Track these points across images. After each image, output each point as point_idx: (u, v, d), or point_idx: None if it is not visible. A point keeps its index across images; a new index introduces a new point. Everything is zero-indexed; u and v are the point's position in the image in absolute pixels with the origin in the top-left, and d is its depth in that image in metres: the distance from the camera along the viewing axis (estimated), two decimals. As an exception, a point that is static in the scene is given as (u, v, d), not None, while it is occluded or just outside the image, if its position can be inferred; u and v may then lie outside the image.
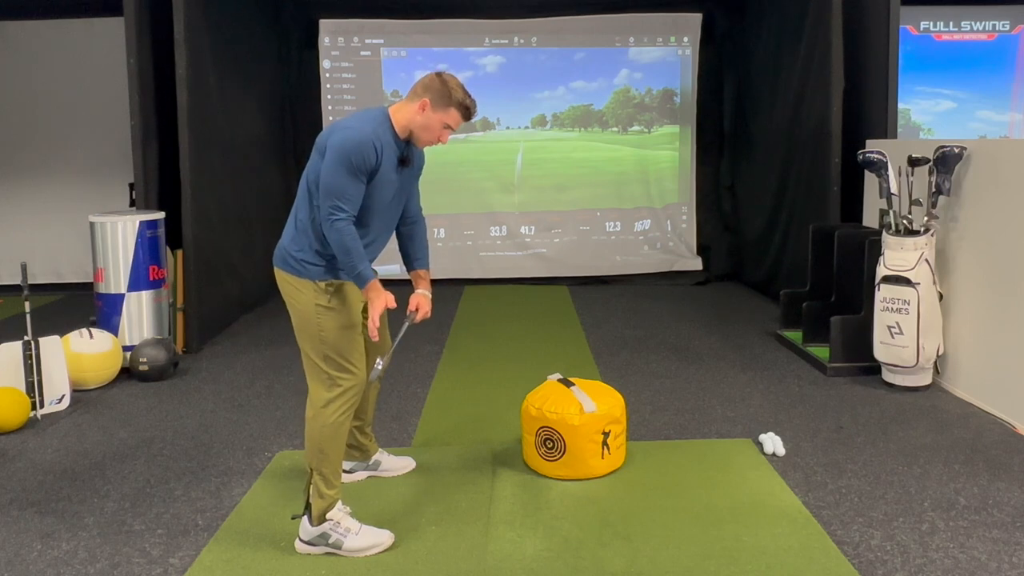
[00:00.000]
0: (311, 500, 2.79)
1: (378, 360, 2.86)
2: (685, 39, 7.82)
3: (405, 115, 2.76)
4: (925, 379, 4.44)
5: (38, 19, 7.32)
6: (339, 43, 7.69)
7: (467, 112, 2.78)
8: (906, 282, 4.30)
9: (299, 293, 2.77)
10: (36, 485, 3.40)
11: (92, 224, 4.99)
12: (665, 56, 7.87)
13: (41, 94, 7.46)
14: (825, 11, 5.72)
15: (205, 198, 5.63)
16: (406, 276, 3.13)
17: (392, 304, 2.75)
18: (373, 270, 2.73)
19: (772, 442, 3.61)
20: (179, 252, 5.40)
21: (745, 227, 7.65)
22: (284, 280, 2.80)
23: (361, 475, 3.36)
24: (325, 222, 2.65)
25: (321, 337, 2.75)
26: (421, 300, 2.96)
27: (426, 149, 2.93)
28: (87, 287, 5.81)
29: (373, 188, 2.73)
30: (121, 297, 4.98)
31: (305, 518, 2.81)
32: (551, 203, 7.94)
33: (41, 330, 4.70)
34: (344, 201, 2.63)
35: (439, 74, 2.78)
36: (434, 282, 3.17)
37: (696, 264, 7.98)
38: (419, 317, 2.96)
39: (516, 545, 2.84)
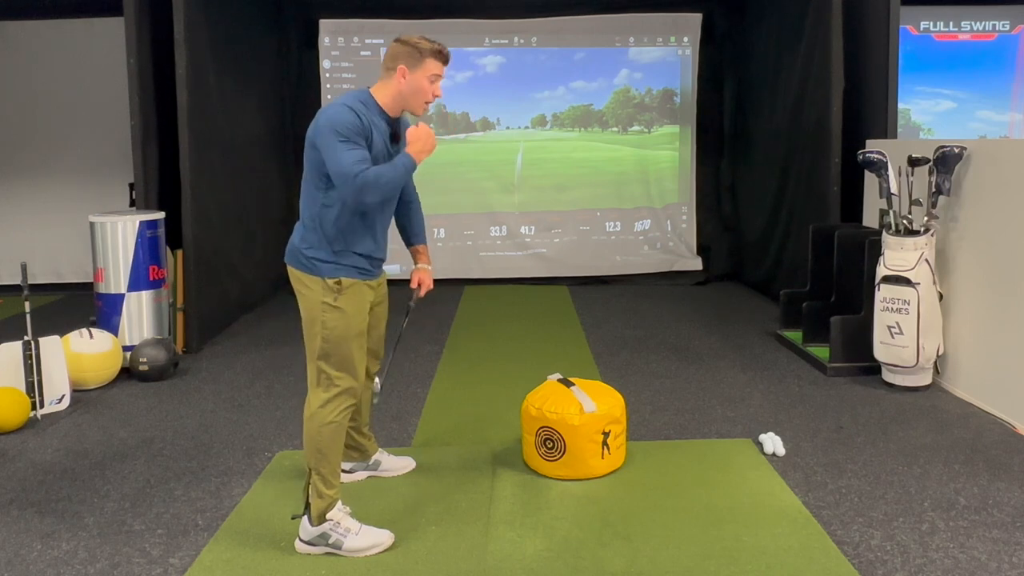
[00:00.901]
0: (310, 500, 2.79)
1: (376, 381, 2.96)
2: (685, 39, 7.82)
3: (389, 90, 2.76)
4: (925, 379, 4.44)
5: (38, 19, 7.32)
6: (339, 43, 7.69)
7: (441, 55, 2.77)
8: (906, 282, 4.30)
9: (308, 290, 2.77)
10: (36, 485, 3.40)
11: (92, 224, 4.99)
12: (665, 56, 7.87)
13: (41, 94, 7.45)
14: (825, 11, 5.71)
15: (205, 198, 5.63)
16: (406, 276, 3.15)
17: (434, 142, 2.75)
18: (404, 156, 2.70)
19: (772, 442, 3.61)
20: (179, 252, 5.40)
21: (745, 227, 7.65)
22: (295, 276, 2.80)
23: (361, 475, 3.36)
24: (357, 192, 2.57)
25: (324, 335, 2.75)
26: (423, 275, 3.07)
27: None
28: (87, 287, 5.80)
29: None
30: (121, 297, 4.98)
31: (305, 518, 2.81)
32: (551, 203, 7.94)
33: (41, 330, 4.70)
34: (355, 166, 2.57)
35: (397, 39, 2.77)
36: (434, 282, 3.19)
37: (696, 264, 7.98)
38: (423, 292, 3.06)
39: (516, 545, 2.84)
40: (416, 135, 2.72)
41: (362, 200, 2.61)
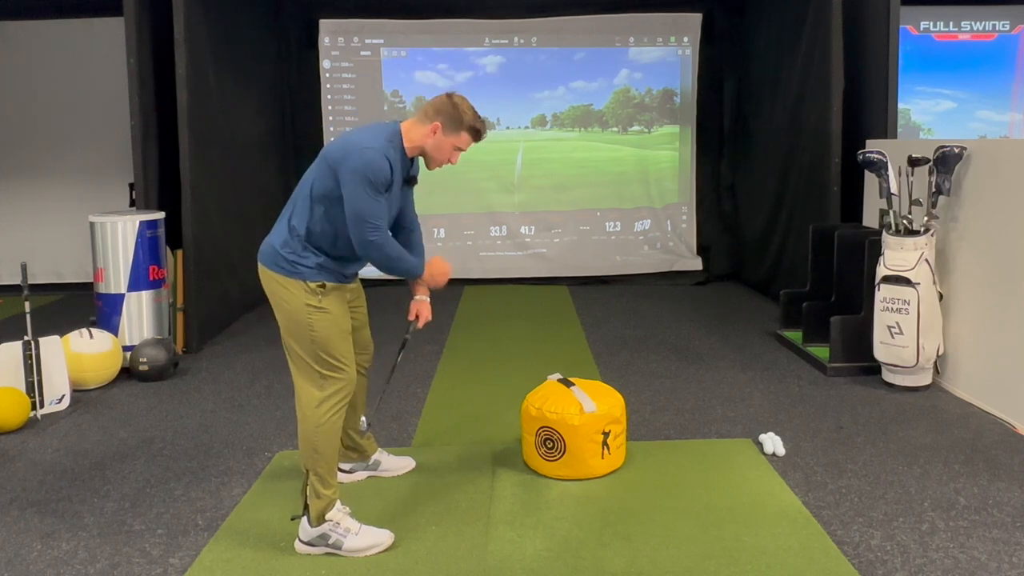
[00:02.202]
0: (309, 501, 2.79)
1: (363, 418, 3.05)
2: (685, 39, 7.82)
3: (417, 136, 2.80)
4: (925, 379, 4.44)
5: (38, 19, 7.32)
6: (339, 43, 7.69)
7: (478, 135, 2.85)
8: (906, 282, 4.30)
9: (288, 293, 2.77)
10: (36, 485, 3.40)
11: (92, 224, 4.99)
12: (665, 56, 7.87)
13: (41, 94, 7.46)
14: (825, 11, 5.71)
15: (205, 198, 5.63)
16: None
17: (450, 269, 3.07)
18: (417, 261, 2.97)
19: (772, 442, 3.61)
20: (179, 252, 5.40)
21: (745, 227, 7.65)
22: (272, 279, 2.80)
23: (361, 475, 3.36)
24: (363, 245, 2.71)
25: (312, 337, 2.76)
26: (421, 306, 3.10)
27: None
28: (87, 287, 5.81)
29: None
30: (121, 297, 4.98)
31: (304, 519, 2.81)
32: (551, 203, 7.93)
33: (41, 330, 4.70)
34: (374, 219, 2.68)
35: (450, 96, 2.81)
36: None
37: (696, 264, 7.98)
38: (421, 323, 3.11)
39: (516, 545, 2.84)
40: (439, 269, 3.04)
41: (361, 251, 2.75)
